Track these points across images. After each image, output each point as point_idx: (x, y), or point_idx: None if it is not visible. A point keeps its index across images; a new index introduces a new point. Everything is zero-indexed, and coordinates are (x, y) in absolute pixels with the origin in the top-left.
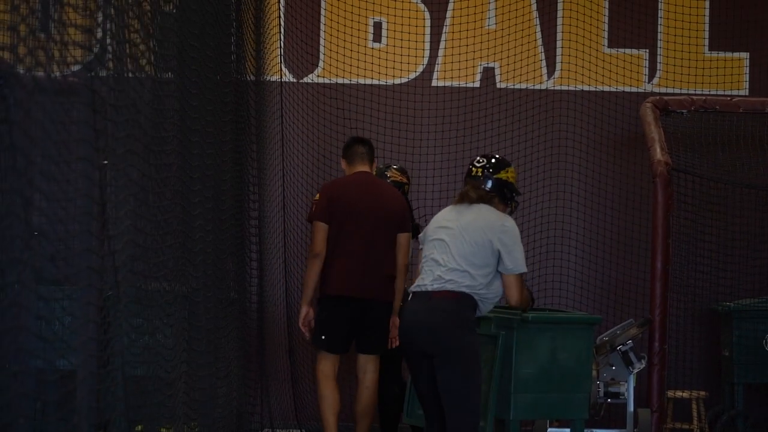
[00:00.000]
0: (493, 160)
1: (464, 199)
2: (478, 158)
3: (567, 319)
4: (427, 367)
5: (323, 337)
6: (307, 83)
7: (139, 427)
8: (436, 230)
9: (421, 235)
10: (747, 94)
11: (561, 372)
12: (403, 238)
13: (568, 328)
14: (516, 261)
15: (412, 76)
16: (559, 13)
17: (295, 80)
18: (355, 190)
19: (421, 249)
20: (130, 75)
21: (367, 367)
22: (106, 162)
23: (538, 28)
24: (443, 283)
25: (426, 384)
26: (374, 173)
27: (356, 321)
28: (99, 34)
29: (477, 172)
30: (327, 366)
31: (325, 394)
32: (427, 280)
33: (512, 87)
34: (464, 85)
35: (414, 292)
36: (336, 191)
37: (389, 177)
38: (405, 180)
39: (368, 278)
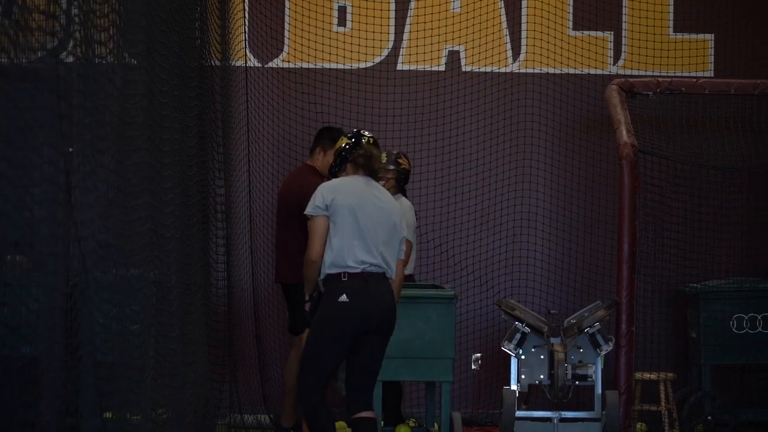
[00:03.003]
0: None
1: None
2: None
3: (419, 296)
4: (355, 346)
5: None
6: (272, 68)
7: (109, 414)
8: (362, 205)
9: (325, 201)
10: (712, 75)
11: (423, 340)
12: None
13: (425, 303)
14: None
15: (377, 60)
16: None
17: (260, 65)
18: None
19: (321, 216)
20: (97, 61)
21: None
22: (71, 149)
23: (503, 11)
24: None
25: (338, 363)
26: (319, 161)
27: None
28: (64, 20)
29: (370, 140)
30: (292, 353)
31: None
32: (379, 259)
33: (477, 70)
34: (429, 69)
35: (372, 273)
36: None
37: (401, 164)
38: (409, 168)
39: (276, 263)
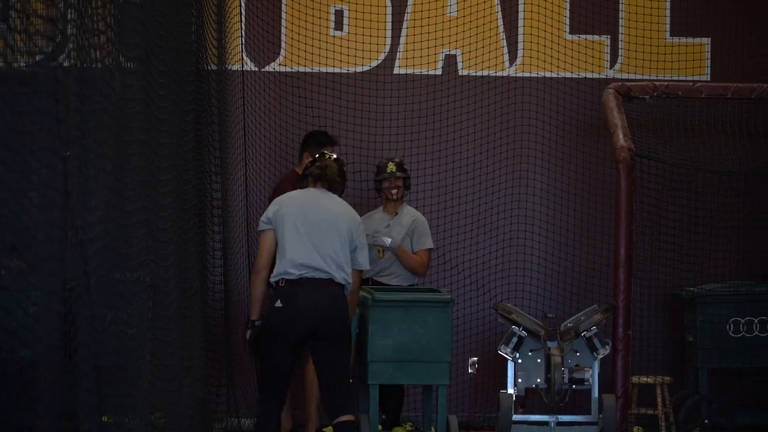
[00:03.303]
0: None
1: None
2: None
3: (416, 299)
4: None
5: None
6: (269, 72)
7: (106, 417)
8: (306, 213)
9: (268, 215)
10: (709, 79)
11: (419, 343)
12: None
13: (422, 307)
14: None
15: (374, 64)
16: (521, 0)
17: (256, 69)
18: None
19: (267, 230)
20: (95, 65)
21: None
22: (68, 153)
23: (500, 15)
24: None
25: (291, 366)
26: (301, 167)
27: None
28: (61, 24)
29: (331, 157)
30: None
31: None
32: (323, 264)
33: (474, 74)
34: (426, 73)
35: (310, 278)
36: None
37: (406, 171)
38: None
39: None
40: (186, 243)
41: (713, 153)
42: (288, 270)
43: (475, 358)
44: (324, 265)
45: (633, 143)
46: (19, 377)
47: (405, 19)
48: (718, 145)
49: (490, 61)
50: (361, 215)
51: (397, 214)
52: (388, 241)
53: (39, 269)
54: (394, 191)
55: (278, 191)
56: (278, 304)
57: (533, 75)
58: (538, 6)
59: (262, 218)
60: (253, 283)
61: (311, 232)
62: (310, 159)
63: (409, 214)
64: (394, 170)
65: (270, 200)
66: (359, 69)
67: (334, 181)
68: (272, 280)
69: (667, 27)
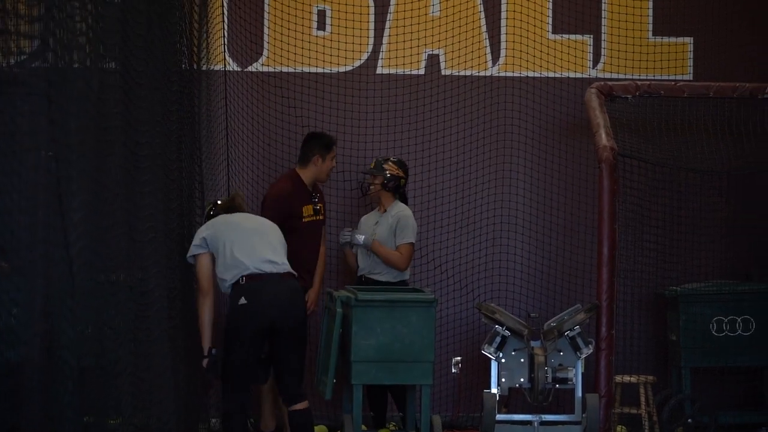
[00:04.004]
0: None
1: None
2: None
3: (399, 299)
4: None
5: None
6: (252, 72)
7: (87, 418)
8: (236, 224)
9: (201, 236)
10: (691, 78)
11: (402, 343)
12: None
13: (405, 306)
14: None
15: (357, 63)
16: (504, 0)
17: (239, 69)
18: None
19: (203, 254)
20: (76, 65)
21: None
22: (50, 153)
23: (483, 15)
24: None
25: (256, 361)
26: (316, 168)
27: None
28: (43, 25)
29: (238, 192)
30: None
31: None
32: (275, 258)
33: (457, 74)
34: (409, 73)
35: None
36: None
37: (386, 169)
38: (401, 174)
39: None
40: (170, 243)
41: (696, 152)
42: (248, 267)
43: (459, 358)
44: (280, 258)
45: (615, 142)
46: (7, 378)
47: (388, 18)
48: (701, 144)
49: (472, 61)
50: (344, 215)
51: (386, 211)
52: (361, 238)
53: (23, 271)
54: (371, 188)
55: (282, 193)
56: (242, 301)
57: (516, 75)
58: (521, 6)
59: (195, 243)
60: (202, 309)
61: (254, 236)
62: (321, 161)
63: (394, 211)
64: (371, 167)
65: (271, 203)
66: (342, 69)
67: (241, 208)
68: (230, 281)
69: (650, 26)
